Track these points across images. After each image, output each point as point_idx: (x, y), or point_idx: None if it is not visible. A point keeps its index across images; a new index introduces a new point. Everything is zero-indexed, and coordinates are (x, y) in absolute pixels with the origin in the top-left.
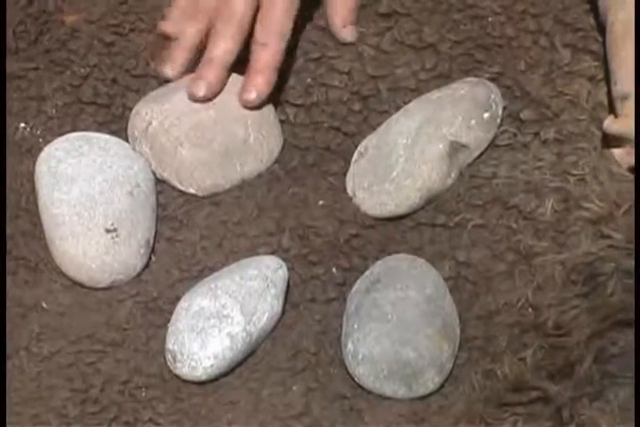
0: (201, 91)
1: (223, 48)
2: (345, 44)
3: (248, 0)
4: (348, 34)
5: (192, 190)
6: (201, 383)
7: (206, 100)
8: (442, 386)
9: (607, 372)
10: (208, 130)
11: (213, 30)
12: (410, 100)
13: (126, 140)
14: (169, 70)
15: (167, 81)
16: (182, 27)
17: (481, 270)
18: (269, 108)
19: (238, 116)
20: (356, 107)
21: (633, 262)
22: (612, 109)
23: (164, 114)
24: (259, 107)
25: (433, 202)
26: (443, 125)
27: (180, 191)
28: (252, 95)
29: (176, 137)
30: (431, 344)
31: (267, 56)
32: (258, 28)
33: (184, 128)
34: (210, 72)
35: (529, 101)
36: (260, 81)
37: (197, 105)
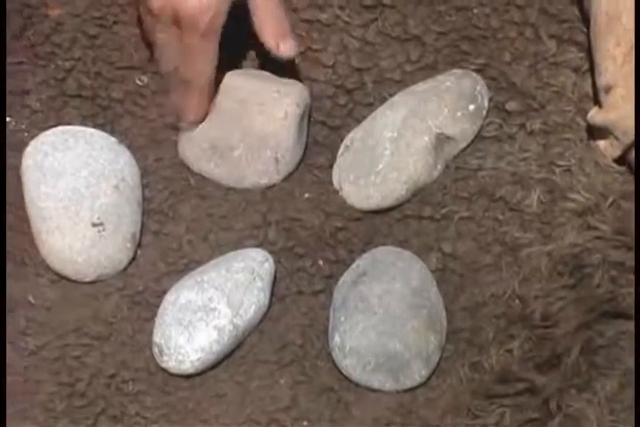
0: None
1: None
2: (330, 37)
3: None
4: (285, 50)
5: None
6: (188, 377)
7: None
8: (429, 378)
9: (594, 363)
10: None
11: None
12: (395, 93)
13: (111, 133)
14: None
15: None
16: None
17: (467, 262)
18: None
19: None
20: (341, 100)
21: (619, 254)
22: (596, 100)
23: None
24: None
25: (419, 194)
26: (428, 118)
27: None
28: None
29: None
30: (418, 336)
31: (187, 95)
32: (179, 70)
33: None
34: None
35: (515, 93)
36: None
37: None
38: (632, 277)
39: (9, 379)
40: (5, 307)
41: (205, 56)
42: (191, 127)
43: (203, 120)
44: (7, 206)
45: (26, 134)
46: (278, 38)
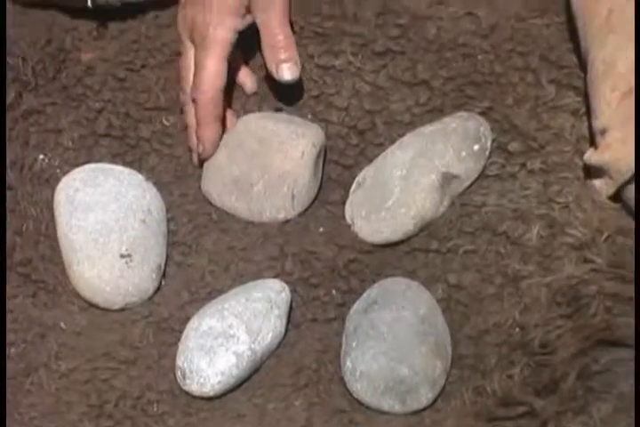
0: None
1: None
2: (344, 81)
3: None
4: (282, 74)
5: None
6: (209, 399)
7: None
8: (435, 401)
9: (590, 388)
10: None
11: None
12: (404, 134)
13: (139, 170)
14: None
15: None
16: None
17: (471, 293)
18: None
19: None
20: (354, 140)
21: (614, 285)
22: (593, 142)
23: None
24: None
25: (426, 229)
26: (435, 157)
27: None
28: (200, 148)
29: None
30: (425, 362)
31: (198, 110)
32: (191, 86)
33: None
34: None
35: (516, 134)
36: (201, 133)
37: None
38: (626, 307)
39: (41, 400)
40: (6, 309)
41: (209, 74)
42: (206, 154)
43: (215, 146)
44: (41, 238)
45: (58, 171)
46: (278, 62)
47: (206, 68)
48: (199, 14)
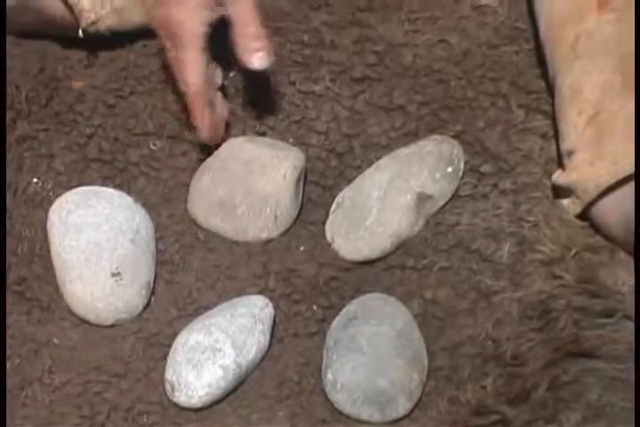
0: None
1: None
2: (323, 106)
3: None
4: (255, 63)
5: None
6: (197, 410)
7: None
8: (412, 411)
9: (560, 398)
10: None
11: None
12: (381, 156)
13: (128, 192)
14: None
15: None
16: None
17: (446, 307)
18: None
19: None
20: (333, 163)
21: (581, 300)
22: (560, 163)
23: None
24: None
25: (403, 247)
26: (411, 179)
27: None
28: (200, 133)
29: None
30: (402, 374)
31: (188, 102)
32: (178, 80)
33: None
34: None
35: (488, 156)
36: (195, 121)
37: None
38: (593, 320)
39: (36, 412)
40: (5, 312)
41: (191, 67)
42: (205, 139)
43: (210, 131)
44: (35, 258)
45: (51, 194)
46: (250, 51)
47: (186, 63)
48: (172, 12)
